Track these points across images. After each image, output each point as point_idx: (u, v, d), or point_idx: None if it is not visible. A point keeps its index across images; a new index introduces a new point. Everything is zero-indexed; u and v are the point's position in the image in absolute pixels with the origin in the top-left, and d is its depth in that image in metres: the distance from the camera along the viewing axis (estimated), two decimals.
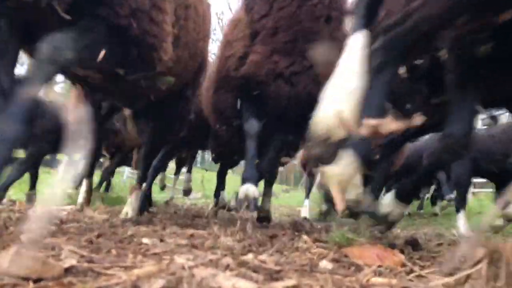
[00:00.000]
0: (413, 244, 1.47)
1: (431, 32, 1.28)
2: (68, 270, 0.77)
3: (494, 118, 3.94)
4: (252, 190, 2.02)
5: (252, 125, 2.16)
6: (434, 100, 1.79)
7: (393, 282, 0.87)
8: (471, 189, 6.25)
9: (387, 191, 3.81)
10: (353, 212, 1.34)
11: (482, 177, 4.41)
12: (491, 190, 6.48)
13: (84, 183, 2.78)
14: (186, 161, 5.91)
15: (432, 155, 2.18)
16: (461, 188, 3.82)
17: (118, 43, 1.53)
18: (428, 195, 6.44)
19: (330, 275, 0.89)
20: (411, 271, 1.03)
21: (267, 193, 2.79)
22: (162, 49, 1.67)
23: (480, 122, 5.50)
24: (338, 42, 1.74)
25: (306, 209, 5.57)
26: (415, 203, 6.31)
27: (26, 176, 5.76)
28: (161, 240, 1.35)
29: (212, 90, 2.41)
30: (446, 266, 1.00)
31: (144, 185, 2.71)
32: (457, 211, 3.66)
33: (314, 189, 5.82)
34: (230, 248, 1.24)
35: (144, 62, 1.68)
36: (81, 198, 2.72)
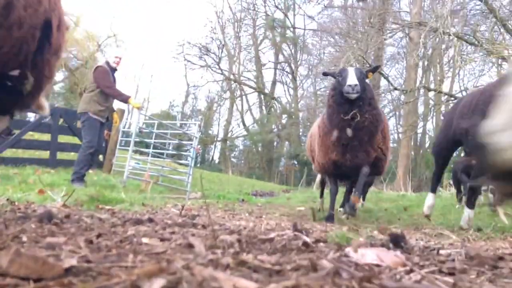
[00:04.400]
0: (396, 241, 1.45)
1: None
2: (68, 270, 0.77)
3: None
4: None
5: None
6: None
7: (393, 282, 0.87)
8: None
9: None
10: None
11: None
12: None
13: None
14: None
15: None
16: None
17: None
18: None
19: (330, 275, 0.88)
20: (411, 270, 1.03)
21: None
22: None
23: None
24: None
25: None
26: None
27: (26, 176, 5.78)
28: (161, 240, 1.35)
29: None
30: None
31: None
32: None
33: (314, 188, 5.97)
34: (230, 248, 1.24)
35: None
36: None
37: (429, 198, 4.40)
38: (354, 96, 3.63)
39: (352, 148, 3.87)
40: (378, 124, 3.85)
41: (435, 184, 4.51)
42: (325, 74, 4.62)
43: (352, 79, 3.60)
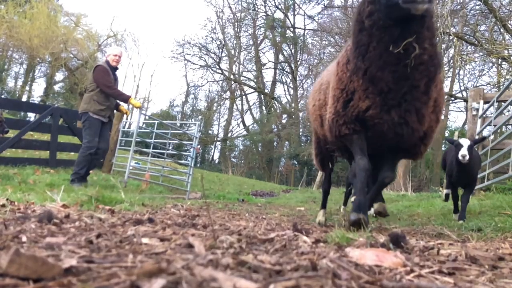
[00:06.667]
0: (396, 241, 1.45)
1: None
2: (68, 270, 0.77)
3: None
4: None
5: None
6: None
7: (393, 282, 0.87)
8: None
9: None
10: None
11: None
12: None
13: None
14: None
15: None
16: None
17: None
18: None
19: (330, 275, 0.88)
20: (411, 271, 1.02)
21: None
22: None
23: None
24: None
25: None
26: None
27: (26, 176, 5.78)
28: (161, 240, 1.35)
29: None
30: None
31: None
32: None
33: (315, 188, 5.82)
34: (230, 248, 1.24)
35: None
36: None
37: None
38: (424, 7, 1.92)
39: (395, 100, 2.26)
40: (439, 63, 2.27)
41: None
42: None
43: None
